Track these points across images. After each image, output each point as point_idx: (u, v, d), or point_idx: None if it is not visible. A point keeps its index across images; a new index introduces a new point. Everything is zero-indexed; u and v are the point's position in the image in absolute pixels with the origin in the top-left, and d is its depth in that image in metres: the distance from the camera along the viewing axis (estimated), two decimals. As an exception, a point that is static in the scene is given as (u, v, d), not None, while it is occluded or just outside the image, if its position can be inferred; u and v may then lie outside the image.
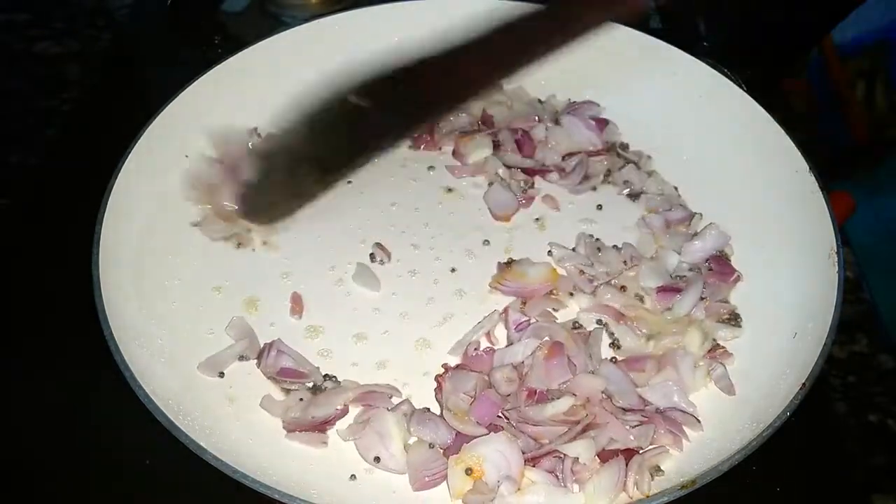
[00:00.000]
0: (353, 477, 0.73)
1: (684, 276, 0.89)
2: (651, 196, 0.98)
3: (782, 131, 0.94)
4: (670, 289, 0.87)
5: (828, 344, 0.74)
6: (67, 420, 0.84)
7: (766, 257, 0.90)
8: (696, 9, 1.34)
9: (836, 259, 0.81)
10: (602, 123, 1.05)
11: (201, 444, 0.66)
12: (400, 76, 0.84)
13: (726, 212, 0.95)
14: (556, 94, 1.10)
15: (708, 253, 0.90)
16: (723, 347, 0.83)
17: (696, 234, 0.92)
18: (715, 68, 1.02)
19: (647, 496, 0.67)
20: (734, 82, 1.00)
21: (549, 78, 1.09)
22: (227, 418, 0.76)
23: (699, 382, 0.80)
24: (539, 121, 1.06)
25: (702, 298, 0.86)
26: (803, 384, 0.71)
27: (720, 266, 0.89)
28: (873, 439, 0.88)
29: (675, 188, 1.00)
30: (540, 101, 1.10)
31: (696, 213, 0.96)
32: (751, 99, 0.98)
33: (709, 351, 0.82)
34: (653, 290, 0.87)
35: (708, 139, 1.00)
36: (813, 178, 0.88)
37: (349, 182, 0.99)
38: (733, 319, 0.85)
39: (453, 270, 0.91)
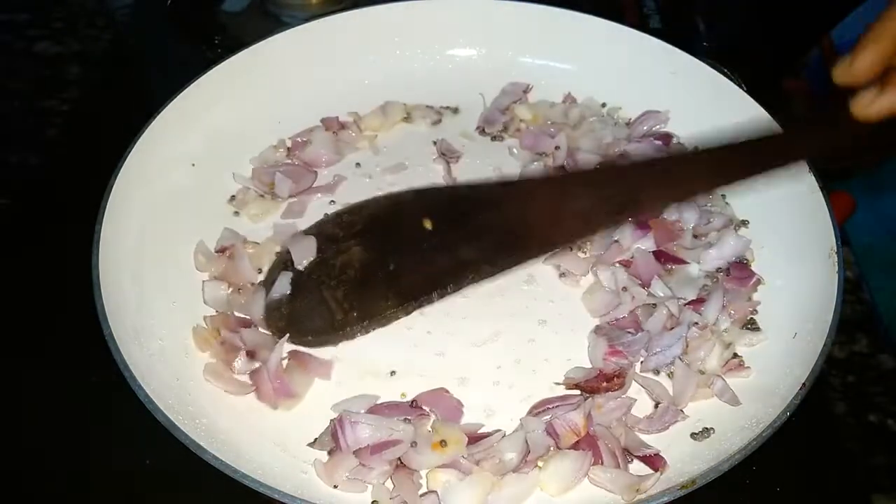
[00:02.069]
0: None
1: (706, 285, 0.87)
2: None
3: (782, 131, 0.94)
4: (700, 301, 0.85)
5: (828, 344, 0.73)
6: (67, 420, 0.84)
7: (766, 257, 0.90)
8: (696, 9, 1.34)
9: (836, 259, 0.81)
10: (667, 139, 1.02)
11: (201, 444, 0.66)
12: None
13: (729, 212, 0.95)
14: (566, 93, 1.09)
15: (727, 260, 0.89)
16: (739, 358, 0.81)
17: (713, 243, 0.90)
18: (715, 68, 1.02)
19: (648, 497, 0.67)
20: (734, 82, 1.00)
21: (550, 78, 1.10)
22: (228, 418, 0.76)
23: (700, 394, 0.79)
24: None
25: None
26: (803, 384, 0.71)
27: (739, 271, 0.88)
28: (873, 439, 0.88)
29: (723, 195, 0.97)
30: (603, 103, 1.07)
31: (742, 220, 0.94)
32: (751, 99, 0.98)
33: (724, 364, 0.80)
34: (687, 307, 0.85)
35: (708, 139, 1.00)
36: (813, 178, 0.88)
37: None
38: (751, 324, 0.84)
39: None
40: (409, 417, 0.75)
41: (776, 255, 0.89)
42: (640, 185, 0.86)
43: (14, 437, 0.84)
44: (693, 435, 0.76)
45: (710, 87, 1.02)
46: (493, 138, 1.05)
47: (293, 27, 1.07)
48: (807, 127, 0.87)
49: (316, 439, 0.75)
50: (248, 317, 0.84)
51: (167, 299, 0.84)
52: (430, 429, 0.75)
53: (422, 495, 0.71)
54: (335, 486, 0.72)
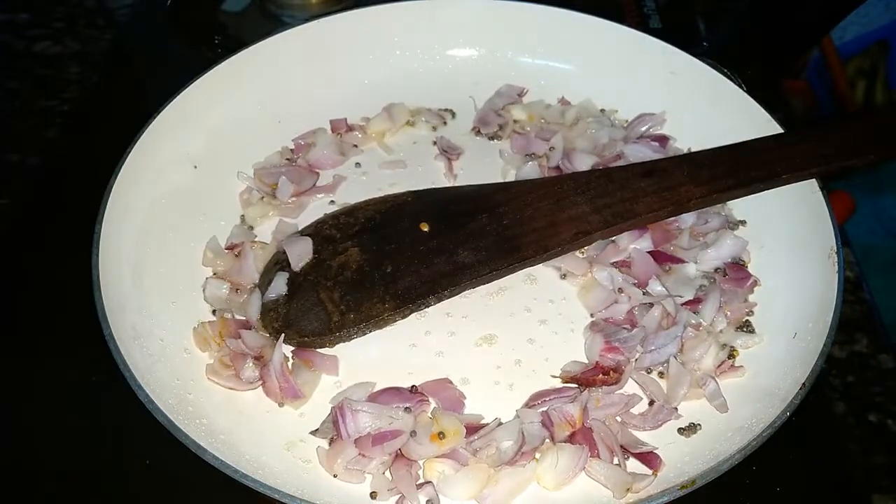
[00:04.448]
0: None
1: (703, 286, 0.87)
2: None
3: (782, 131, 0.94)
4: (697, 300, 0.85)
5: (828, 344, 0.73)
6: (67, 420, 0.84)
7: (765, 257, 0.90)
8: (696, 9, 1.35)
9: (836, 259, 0.81)
10: (664, 141, 1.02)
11: (201, 444, 0.66)
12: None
13: (726, 212, 0.95)
14: (563, 95, 1.09)
15: (725, 260, 0.89)
16: (732, 360, 0.81)
17: (711, 243, 0.90)
18: (715, 68, 1.02)
19: (649, 496, 0.67)
20: (734, 82, 1.00)
21: (550, 78, 1.10)
22: (228, 418, 0.76)
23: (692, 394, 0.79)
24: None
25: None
26: (803, 384, 0.71)
27: (736, 272, 0.88)
28: (873, 439, 0.88)
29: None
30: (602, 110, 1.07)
31: (739, 220, 0.94)
32: (751, 99, 0.98)
33: (718, 366, 0.80)
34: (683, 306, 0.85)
35: (708, 139, 1.00)
36: (813, 179, 0.88)
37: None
38: (746, 326, 0.84)
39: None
40: (410, 405, 0.76)
41: (776, 255, 0.89)
42: (637, 195, 0.87)
43: (14, 437, 0.84)
44: (680, 430, 0.76)
45: (709, 87, 1.02)
46: (491, 138, 1.05)
47: (293, 27, 1.07)
48: (810, 138, 0.88)
49: (318, 428, 0.76)
50: (245, 318, 0.85)
51: (167, 299, 0.84)
52: (430, 416, 0.76)
53: (418, 485, 0.71)
54: (335, 476, 0.72)
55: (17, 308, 0.96)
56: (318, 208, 0.96)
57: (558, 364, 0.81)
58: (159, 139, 0.92)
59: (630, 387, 0.80)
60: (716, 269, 0.89)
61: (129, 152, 0.88)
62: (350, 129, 1.05)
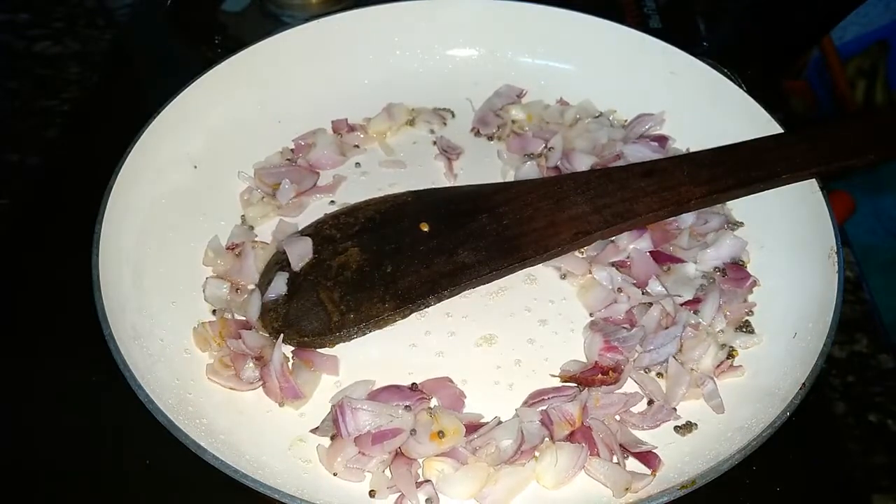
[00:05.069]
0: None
1: (703, 286, 0.87)
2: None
3: (782, 131, 0.94)
4: (696, 300, 0.85)
5: (828, 344, 0.74)
6: (67, 420, 0.84)
7: (765, 257, 0.90)
8: (696, 9, 1.35)
9: (836, 259, 0.81)
10: (663, 141, 1.02)
11: (201, 444, 0.66)
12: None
13: (726, 212, 0.95)
14: (562, 96, 1.09)
15: (724, 260, 0.89)
16: (731, 360, 0.81)
17: (711, 243, 0.90)
18: (715, 68, 1.02)
19: (649, 496, 0.67)
20: (734, 82, 1.00)
21: (550, 78, 1.10)
22: (228, 418, 0.76)
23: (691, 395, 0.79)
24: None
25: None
26: (803, 384, 0.71)
27: (735, 272, 0.88)
28: (873, 439, 0.88)
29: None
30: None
31: (738, 221, 0.94)
32: (751, 99, 0.98)
33: (717, 366, 0.80)
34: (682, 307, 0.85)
35: (708, 139, 1.00)
36: (813, 178, 0.88)
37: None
38: (746, 326, 0.84)
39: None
40: (409, 403, 0.76)
41: (776, 255, 0.89)
42: (636, 195, 0.87)
43: (14, 438, 0.84)
44: (677, 429, 0.76)
45: (709, 87, 1.02)
46: (490, 138, 1.05)
47: (293, 27, 1.07)
48: (810, 138, 0.88)
49: (318, 426, 0.76)
50: (245, 318, 0.85)
51: (167, 299, 0.84)
52: (429, 414, 0.76)
53: (418, 484, 0.71)
54: (335, 474, 0.72)
55: (17, 308, 0.96)
56: (318, 208, 0.96)
57: (558, 364, 0.81)
58: (159, 139, 0.92)
59: (629, 386, 0.80)
60: (715, 269, 0.89)
61: (129, 152, 0.88)
62: (351, 129, 1.05)
